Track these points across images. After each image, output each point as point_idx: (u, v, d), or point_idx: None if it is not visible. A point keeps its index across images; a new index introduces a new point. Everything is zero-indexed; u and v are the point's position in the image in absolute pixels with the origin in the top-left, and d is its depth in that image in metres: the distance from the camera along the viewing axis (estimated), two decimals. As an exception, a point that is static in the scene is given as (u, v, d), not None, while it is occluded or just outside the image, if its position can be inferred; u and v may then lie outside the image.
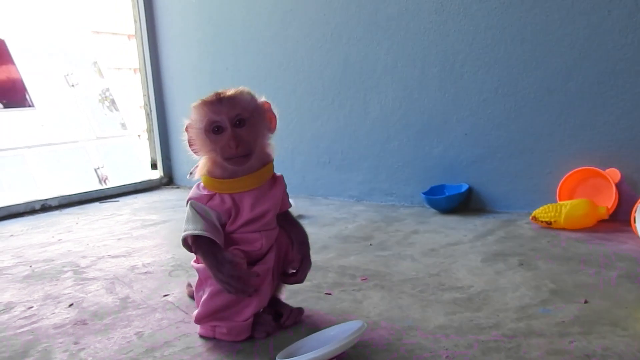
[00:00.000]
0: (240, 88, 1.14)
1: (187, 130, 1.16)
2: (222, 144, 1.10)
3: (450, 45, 2.27)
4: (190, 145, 1.17)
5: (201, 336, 1.20)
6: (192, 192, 1.18)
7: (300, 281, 1.27)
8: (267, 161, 1.19)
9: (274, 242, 1.23)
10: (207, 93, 1.15)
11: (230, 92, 1.13)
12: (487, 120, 2.24)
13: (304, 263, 1.26)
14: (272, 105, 1.18)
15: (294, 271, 1.26)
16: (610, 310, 1.23)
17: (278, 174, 1.24)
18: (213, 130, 1.11)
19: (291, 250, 1.26)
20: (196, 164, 1.21)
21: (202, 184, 1.17)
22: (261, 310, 1.23)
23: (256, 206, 1.16)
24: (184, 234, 1.12)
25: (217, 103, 1.11)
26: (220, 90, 1.14)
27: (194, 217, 1.12)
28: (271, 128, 1.18)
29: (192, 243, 1.13)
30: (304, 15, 2.70)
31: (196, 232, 1.10)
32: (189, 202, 1.15)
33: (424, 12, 2.32)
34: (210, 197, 1.15)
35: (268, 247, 1.21)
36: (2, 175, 4.12)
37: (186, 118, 1.18)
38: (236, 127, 1.11)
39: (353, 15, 2.53)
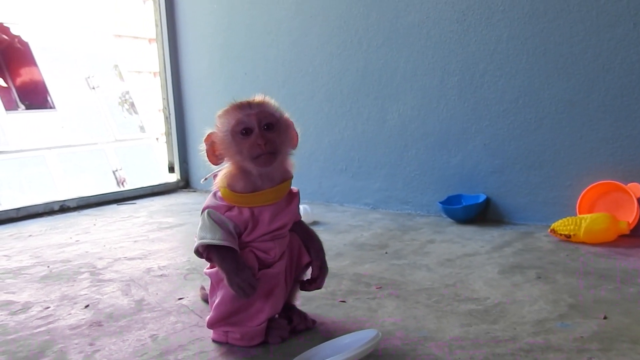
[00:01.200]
0: (266, 97, 1.17)
1: (206, 141, 1.17)
2: (249, 144, 1.12)
3: (471, 54, 2.26)
4: (208, 155, 1.18)
5: (214, 341, 1.20)
6: (209, 200, 1.18)
7: (320, 287, 1.28)
8: (287, 177, 1.20)
9: (285, 249, 1.23)
10: (226, 98, 1.17)
11: (258, 98, 1.15)
12: (506, 130, 2.22)
13: (322, 270, 1.26)
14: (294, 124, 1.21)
15: (313, 278, 1.27)
16: (630, 327, 1.20)
17: (294, 188, 1.25)
18: (241, 132, 1.12)
19: (304, 254, 1.26)
20: (213, 172, 1.22)
21: (219, 194, 1.18)
22: (276, 315, 1.23)
23: (274, 221, 1.17)
24: (200, 242, 1.13)
25: (247, 107, 1.13)
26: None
27: (212, 226, 1.13)
28: (293, 144, 1.20)
29: (205, 251, 1.14)
30: (324, 21, 2.71)
31: (214, 241, 1.11)
32: (206, 211, 1.16)
33: (445, 21, 2.31)
34: (229, 208, 1.15)
35: (281, 254, 1.21)
36: (22, 176, 4.17)
37: (207, 126, 1.19)
38: (264, 130, 1.13)
39: (373, 23, 2.53)
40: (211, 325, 1.19)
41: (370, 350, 1.02)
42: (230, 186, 1.16)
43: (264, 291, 1.16)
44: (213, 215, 1.15)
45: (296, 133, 1.20)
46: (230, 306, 1.16)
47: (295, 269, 1.27)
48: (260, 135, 1.11)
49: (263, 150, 1.11)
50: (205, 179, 1.24)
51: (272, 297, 1.17)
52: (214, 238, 1.11)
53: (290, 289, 1.29)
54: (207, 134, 1.17)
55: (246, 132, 1.12)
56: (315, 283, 1.26)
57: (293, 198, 1.23)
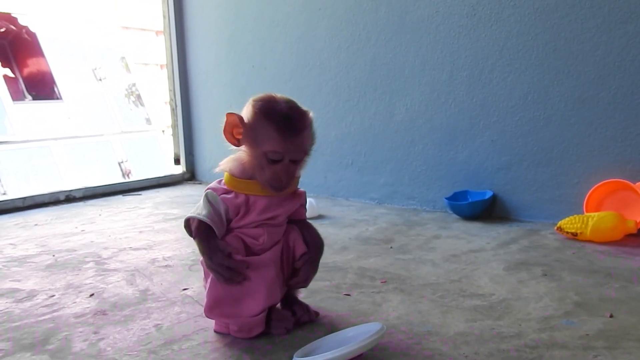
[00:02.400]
0: (309, 115, 1.15)
1: (228, 119, 1.13)
2: (273, 171, 1.11)
3: (481, 49, 2.25)
4: (226, 133, 1.14)
5: (216, 332, 1.20)
6: (212, 183, 1.20)
7: (302, 283, 1.23)
8: None
9: (280, 239, 1.22)
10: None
11: (304, 121, 1.13)
12: (515, 127, 2.21)
13: (309, 264, 1.22)
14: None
15: (296, 268, 1.23)
16: (636, 325, 1.19)
17: (300, 190, 1.24)
18: (273, 159, 1.11)
19: (299, 246, 1.24)
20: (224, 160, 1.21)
21: (223, 180, 1.19)
22: (278, 306, 1.23)
23: (267, 211, 1.17)
24: (187, 215, 1.15)
25: (290, 139, 1.10)
26: (294, 109, 1.13)
27: (204, 204, 1.14)
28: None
29: (194, 227, 1.14)
30: (333, 15, 2.69)
31: (199, 216, 1.12)
32: (206, 192, 1.17)
33: (454, 16, 2.30)
34: (227, 191, 1.16)
35: (271, 244, 1.19)
36: (28, 166, 4.19)
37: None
38: (292, 162, 1.13)
39: (382, 17, 2.52)
40: (208, 312, 1.17)
41: (375, 343, 1.02)
42: (231, 170, 1.16)
43: (256, 280, 1.14)
44: (210, 195, 1.15)
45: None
46: (219, 290, 1.14)
47: (292, 259, 1.25)
48: (286, 170, 1.12)
49: (283, 183, 1.12)
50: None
51: (263, 287, 1.15)
52: (200, 214, 1.12)
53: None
54: (233, 114, 1.13)
55: (276, 161, 1.11)
56: (297, 277, 1.22)
57: (296, 196, 1.23)
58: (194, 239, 1.16)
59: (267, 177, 1.12)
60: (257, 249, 1.18)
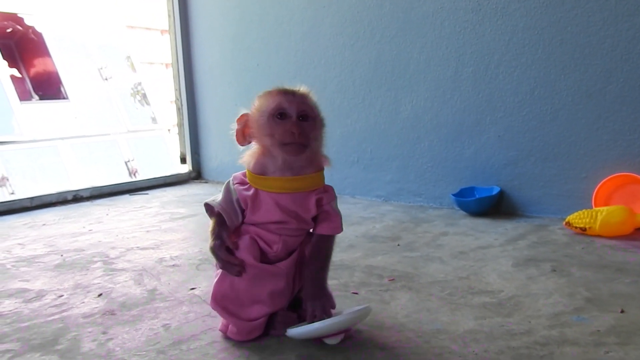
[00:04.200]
0: (310, 92, 1.18)
1: (238, 121, 1.17)
2: (283, 129, 1.11)
3: (486, 44, 2.23)
4: (237, 135, 1.17)
5: (220, 331, 1.20)
6: (238, 173, 1.22)
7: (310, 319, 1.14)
8: (306, 171, 1.17)
9: (296, 248, 1.20)
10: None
11: (303, 89, 1.17)
12: (521, 122, 2.19)
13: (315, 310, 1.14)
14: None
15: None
16: (648, 321, 1.18)
17: (329, 186, 1.24)
18: (278, 115, 1.12)
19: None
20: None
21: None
22: (285, 308, 1.21)
23: (277, 210, 1.14)
24: (206, 200, 1.19)
25: (290, 93, 1.14)
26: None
27: (223, 192, 1.18)
28: (322, 145, 1.20)
29: (209, 211, 1.18)
30: (337, 12, 2.68)
31: (213, 203, 1.16)
32: (229, 179, 1.21)
33: (460, 11, 2.28)
34: (242, 182, 1.18)
35: (285, 254, 1.18)
36: (35, 166, 4.21)
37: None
38: (300, 120, 1.13)
39: (387, 13, 2.51)
40: (212, 303, 1.16)
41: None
42: (248, 164, 1.17)
43: (263, 289, 1.14)
44: (229, 183, 1.19)
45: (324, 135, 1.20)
46: (225, 286, 1.14)
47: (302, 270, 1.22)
48: (296, 123, 1.11)
49: (295, 139, 1.10)
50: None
51: (269, 296, 1.14)
52: (214, 200, 1.16)
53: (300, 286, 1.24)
54: (241, 114, 1.17)
55: (282, 116, 1.12)
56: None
57: (311, 195, 1.18)
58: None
59: (278, 137, 1.11)
60: (271, 256, 1.17)
